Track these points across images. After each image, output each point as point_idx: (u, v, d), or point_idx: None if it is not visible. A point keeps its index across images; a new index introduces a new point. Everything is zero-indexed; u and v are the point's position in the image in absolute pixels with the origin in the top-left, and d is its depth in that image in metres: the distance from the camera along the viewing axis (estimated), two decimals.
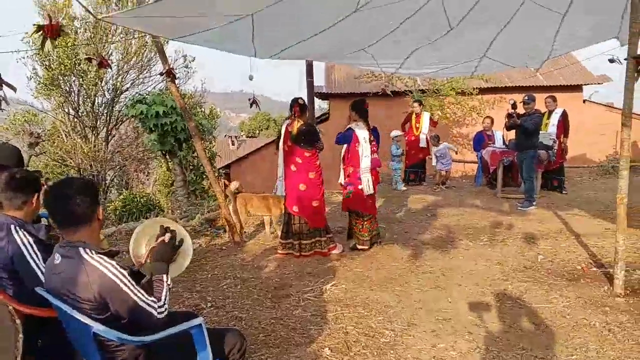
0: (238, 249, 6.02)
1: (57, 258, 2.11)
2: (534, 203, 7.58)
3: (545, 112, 8.70)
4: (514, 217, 6.97)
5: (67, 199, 2.07)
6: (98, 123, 17.91)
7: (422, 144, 9.90)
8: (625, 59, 4.01)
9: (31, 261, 2.45)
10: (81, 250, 2.06)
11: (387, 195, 9.02)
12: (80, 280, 1.99)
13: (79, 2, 3.71)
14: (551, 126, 8.62)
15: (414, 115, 10.00)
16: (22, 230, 2.52)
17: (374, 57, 5.81)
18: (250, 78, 5.98)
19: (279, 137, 5.77)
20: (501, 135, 9.94)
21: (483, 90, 15.99)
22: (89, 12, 4.19)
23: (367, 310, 3.98)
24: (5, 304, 1.91)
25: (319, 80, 18.09)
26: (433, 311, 3.94)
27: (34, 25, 3.77)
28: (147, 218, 10.11)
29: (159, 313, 2.11)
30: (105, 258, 2.06)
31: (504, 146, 9.50)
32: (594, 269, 4.75)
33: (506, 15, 4.77)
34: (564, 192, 8.68)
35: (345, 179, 5.79)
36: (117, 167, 20.15)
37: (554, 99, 8.74)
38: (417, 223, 6.93)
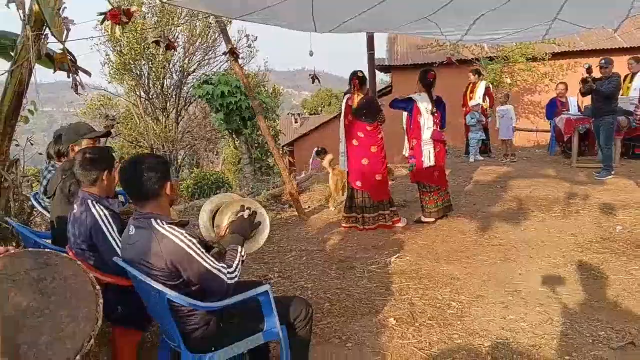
0: (303, 223, 6.11)
1: (131, 229, 2.24)
2: (612, 172, 7.14)
3: (626, 75, 8.13)
4: (590, 187, 6.61)
5: (137, 175, 2.18)
6: (168, 105, 18.63)
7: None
8: None
9: (107, 232, 2.60)
10: (153, 221, 2.17)
11: (455, 167, 8.80)
12: (153, 249, 2.10)
13: None
14: (633, 90, 8.04)
15: (469, 85, 9.64)
16: (98, 204, 2.68)
17: (438, 25, 5.60)
18: (311, 54, 5.96)
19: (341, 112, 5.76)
20: (576, 102, 9.40)
21: (556, 55, 15.08)
22: None
23: (432, 283, 3.95)
24: (86, 271, 2.05)
25: (381, 53, 17.81)
26: (502, 283, 3.85)
27: (97, 13, 3.93)
28: (217, 194, 10.47)
29: (229, 279, 2.18)
30: (176, 227, 2.15)
31: (579, 113, 8.97)
32: None
33: None
34: None
35: (409, 150, 5.70)
36: (188, 146, 20.93)
37: (638, 61, 8.12)
38: (486, 195, 6.72)
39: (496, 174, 8.02)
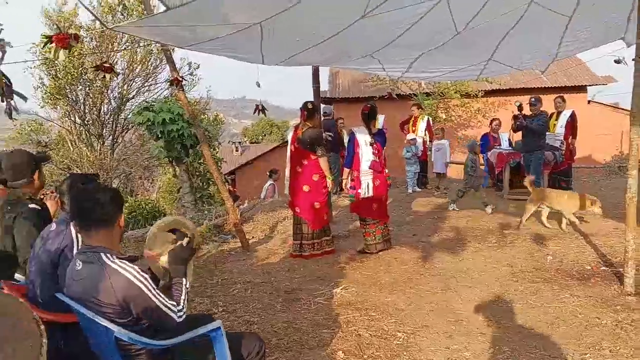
0: (247, 254, 6.04)
1: (78, 264, 2.15)
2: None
3: (552, 113, 8.71)
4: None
5: (94, 200, 2.12)
6: (104, 131, 18.02)
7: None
8: (633, 60, 4.02)
9: None
10: (103, 255, 2.10)
11: (395, 198, 9.02)
12: (104, 285, 2.03)
13: (91, 12, 3.76)
14: (559, 127, 8.60)
15: (412, 119, 10.01)
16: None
17: (381, 62, 5.84)
18: (258, 85, 6.03)
19: (287, 141, 5.89)
20: (507, 137, 9.93)
21: (488, 93, 16.02)
22: (100, 21, 4.26)
23: (378, 313, 4.00)
24: (29, 309, 1.94)
25: (324, 85, 18.17)
26: (445, 313, 3.96)
27: (42, 35, 3.83)
28: (152, 225, 10.16)
29: (178, 317, 2.15)
30: (127, 263, 2.09)
31: (510, 148, 9.49)
32: (604, 268, 4.75)
33: (512, 18, 4.79)
34: None
35: (350, 182, 5.80)
36: (123, 174, 20.26)
37: (564, 100, 8.72)
38: (425, 226, 6.93)
39: (433, 205, 8.30)
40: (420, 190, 9.81)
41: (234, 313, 4.21)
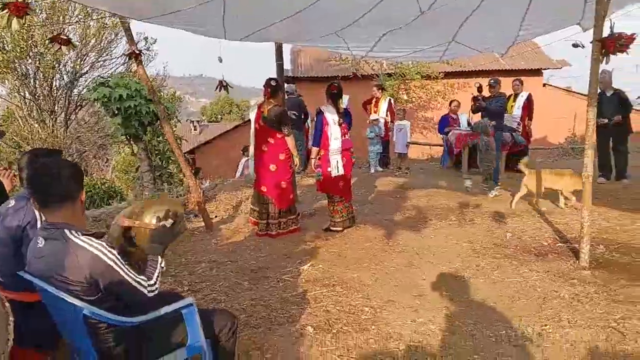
0: (210, 234, 5.98)
1: (39, 241, 2.06)
2: (499, 184, 7.77)
3: (510, 95, 8.91)
4: (480, 197, 7.15)
5: (54, 175, 2.03)
6: (56, 107, 17.29)
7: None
8: (590, 42, 4.14)
9: None
10: (67, 231, 2.01)
11: (358, 178, 9.08)
12: (69, 262, 1.95)
13: None
14: (516, 109, 8.83)
15: (374, 99, 10.06)
16: None
17: (345, 41, 5.81)
18: (220, 60, 5.89)
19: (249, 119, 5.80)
20: (466, 118, 10.12)
21: (448, 74, 16.23)
22: None
23: (345, 289, 4.04)
24: None
25: (286, 64, 17.97)
26: (409, 288, 4.04)
27: None
28: (109, 205, 9.89)
29: (149, 292, 2.11)
30: (94, 239, 2.02)
31: (469, 128, 9.67)
32: (560, 244, 4.94)
33: (475, 1, 4.84)
34: None
35: (316, 160, 5.79)
36: (76, 153, 19.59)
37: (521, 82, 8.95)
38: (388, 204, 7.02)
39: (395, 185, 8.40)
40: (382, 170, 9.92)
41: (200, 292, 4.17)
